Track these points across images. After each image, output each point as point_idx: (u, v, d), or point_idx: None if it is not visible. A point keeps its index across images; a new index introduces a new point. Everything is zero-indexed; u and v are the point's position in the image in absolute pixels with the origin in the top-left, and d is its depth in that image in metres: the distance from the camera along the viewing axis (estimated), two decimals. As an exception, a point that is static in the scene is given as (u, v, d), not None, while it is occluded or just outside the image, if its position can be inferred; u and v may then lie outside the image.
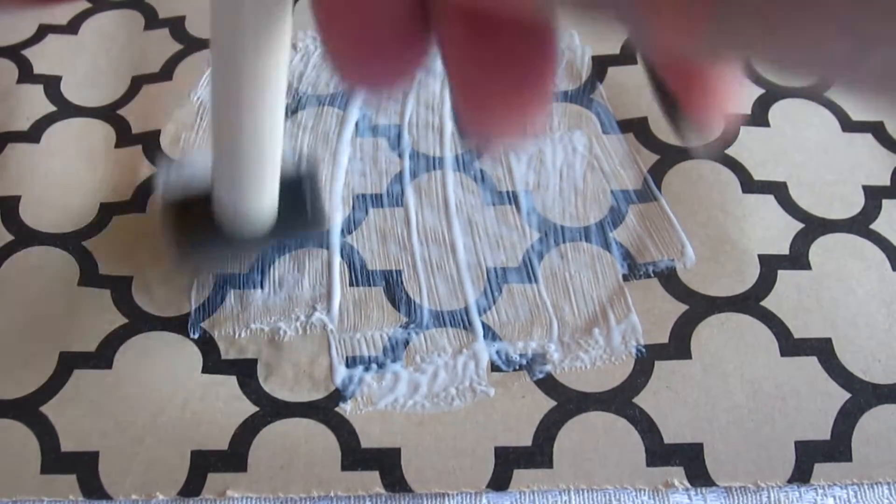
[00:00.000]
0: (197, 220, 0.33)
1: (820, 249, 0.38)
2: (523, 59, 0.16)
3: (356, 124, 0.42)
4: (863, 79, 0.11)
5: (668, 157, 0.41)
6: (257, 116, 0.26)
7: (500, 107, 0.16)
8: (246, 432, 0.33)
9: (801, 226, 0.39)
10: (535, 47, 0.16)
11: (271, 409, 0.34)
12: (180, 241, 0.33)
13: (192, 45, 0.46)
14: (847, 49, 0.11)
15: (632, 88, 0.43)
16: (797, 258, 0.38)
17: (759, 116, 0.42)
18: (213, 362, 0.35)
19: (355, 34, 0.16)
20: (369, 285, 0.37)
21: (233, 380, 0.35)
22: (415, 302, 0.37)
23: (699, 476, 0.33)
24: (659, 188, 0.40)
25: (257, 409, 0.34)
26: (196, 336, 0.36)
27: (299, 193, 0.34)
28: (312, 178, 0.34)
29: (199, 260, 0.36)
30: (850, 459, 0.33)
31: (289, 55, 0.26)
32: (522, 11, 0.14)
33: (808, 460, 0.33)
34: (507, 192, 0.40)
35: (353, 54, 0.16)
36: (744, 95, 0.43)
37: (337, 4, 0.15)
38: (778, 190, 0.40)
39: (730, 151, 0.41)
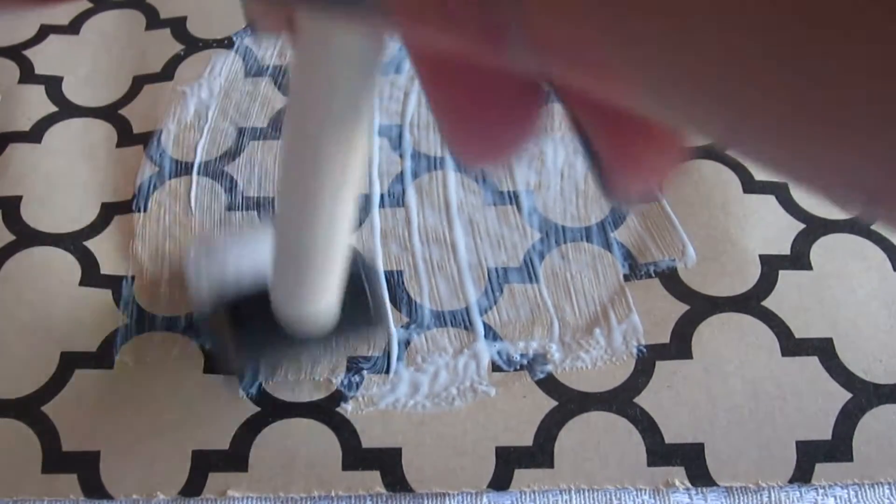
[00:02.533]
0: (253, 320, 0.30)
1: (821, 249, 0.38)
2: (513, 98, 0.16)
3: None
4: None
5: (669, 157, 0.41)
6: (333, 222, 0.24)
7: (486, 139, 0.16)
8: (247, 432, 0.33)
9: (802, 226, 0.39)
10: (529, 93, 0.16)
11: (272, 409, 0.34)
12: (239, 345, 0.31)
13: (194, 45, 0.46)
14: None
15: (633, 88, 0.43)
16: (798, 258, 0.38)
17: (760, 116, 0.42)
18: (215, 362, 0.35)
19: (467, 115, 0.16)
20: (370, 285, 0.37)
21: (234, 380, 0.35)
22: (416, 302, 0.37)
23: (700, 476, 0.33)
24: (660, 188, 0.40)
25: (258, 408, 0.34)
26: (197, 336, 0.36)
27: (360, 290, 0.31)
28: (372, 274, 0.32)
29: (259, 359, 0.33)
30: (850, 459, 0.33)
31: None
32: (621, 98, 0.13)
33: (809, 460, 0.33)
34: (509, 192, 0.40)
35: (465, 134, 0.16)
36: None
37: (451, 87, 0.16)
38: (779, 190, 0.40)
39: (731, 151, 0.41)
